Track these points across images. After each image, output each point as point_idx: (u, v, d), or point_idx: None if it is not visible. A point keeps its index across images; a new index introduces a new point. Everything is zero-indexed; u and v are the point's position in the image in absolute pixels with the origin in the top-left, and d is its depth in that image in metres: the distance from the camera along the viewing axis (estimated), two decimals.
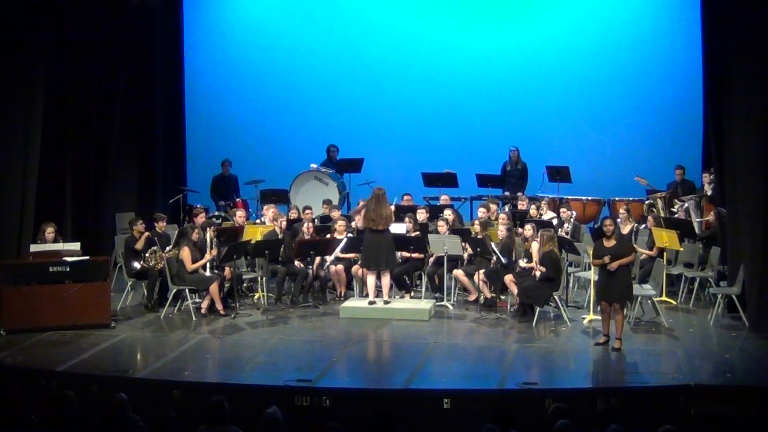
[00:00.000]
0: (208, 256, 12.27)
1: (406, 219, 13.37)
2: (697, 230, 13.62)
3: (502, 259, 12.22)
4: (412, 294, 13.02)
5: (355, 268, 12.88)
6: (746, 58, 11.12)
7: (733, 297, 11.56)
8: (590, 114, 17.18)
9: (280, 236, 13.02)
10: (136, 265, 12.43)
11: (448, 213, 13.68)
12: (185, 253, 12.14)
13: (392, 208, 12.88)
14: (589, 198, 15.70)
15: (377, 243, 12.23)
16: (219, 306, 12.19)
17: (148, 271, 12.41)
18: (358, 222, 13.17)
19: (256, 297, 13.07)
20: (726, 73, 11.52)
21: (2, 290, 11.37)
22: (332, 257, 12.92)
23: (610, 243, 10.69)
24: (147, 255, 12.35)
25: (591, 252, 11.24)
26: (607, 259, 10.52)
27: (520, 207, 14.88)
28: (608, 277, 10.62)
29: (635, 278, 12.09)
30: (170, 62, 17.04)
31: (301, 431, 8.13)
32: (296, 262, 12.91)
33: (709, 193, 14.04)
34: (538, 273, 11.65)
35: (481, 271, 12.46)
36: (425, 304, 12.40)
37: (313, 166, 16.33)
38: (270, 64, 17.86)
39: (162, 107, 16.67)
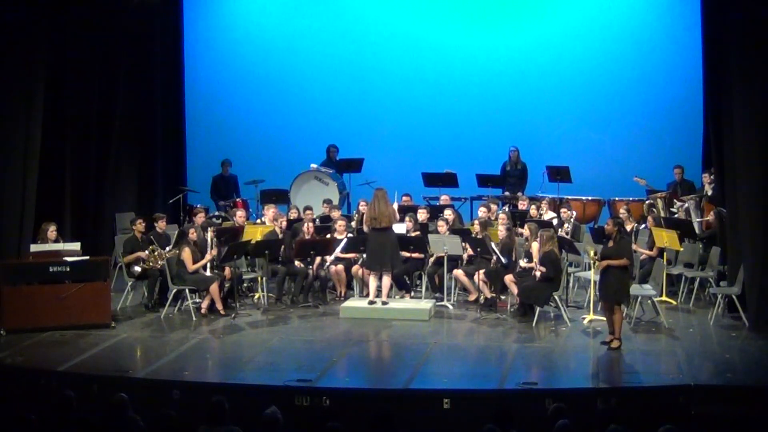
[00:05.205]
0: (208, 257, 12.27)
1: (407, 219, 13.36)
2: (697, 230, 13.62)
3: (502, 259, 12.21)
4: (412, 294, 13.02)
5: (355, 268, 12.87)
6: (746, 59, 11.11)
7: (733, 297, 11.56)
8: (590, 114, 17.17)
9: (280, 236, 13.02)
10: (137, 269, 12.42)
11: (448, 213, 13.67)
12: (186, 254, 12.13)
13: (395, 207, 12.86)
14: (589, 198, 15.70)
15: (381, 243, 12.20)
16: (219, 306, 12.19)
17: (148, 271, 12.42)
18: (365, 227, 13.02)
19: (256, 297, 13.07)
20: (726, 73, 11.52)
21: (2, 290, 11.37)
22: (332, 257, 12.91)
23: (609, 243, 10.70)
24: (146, 255, 12.36)
25: (592, 253, 11.26)
26: (602, 263, 10.60)
27: (520, 207, 14.89)
28: (602, 276, 10.68)
29: (635, 278, 12.08)
30: (170, 62, 17.02)
31: (301, 431, 8.14)
32: (296, 262, 12.90)
33: (709, 193, 14.05)
34: (538, 273, 11.65)
35: (481, 271, 12.46)
36: (425, 304, 12.40)
37: (313, 166, 16.33)
38: (270, 64, 17.85)
39: (162, 107, 16.66)
